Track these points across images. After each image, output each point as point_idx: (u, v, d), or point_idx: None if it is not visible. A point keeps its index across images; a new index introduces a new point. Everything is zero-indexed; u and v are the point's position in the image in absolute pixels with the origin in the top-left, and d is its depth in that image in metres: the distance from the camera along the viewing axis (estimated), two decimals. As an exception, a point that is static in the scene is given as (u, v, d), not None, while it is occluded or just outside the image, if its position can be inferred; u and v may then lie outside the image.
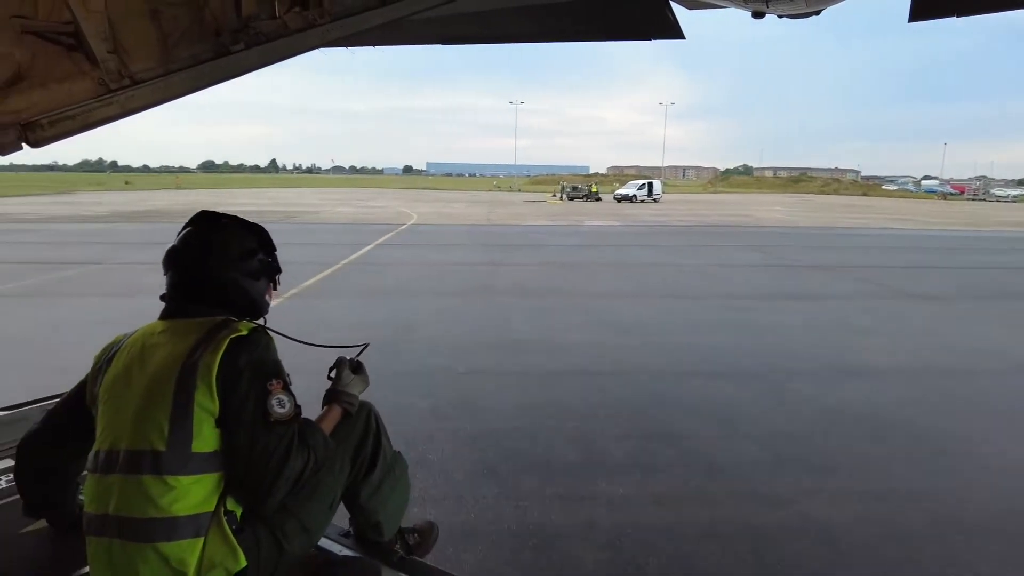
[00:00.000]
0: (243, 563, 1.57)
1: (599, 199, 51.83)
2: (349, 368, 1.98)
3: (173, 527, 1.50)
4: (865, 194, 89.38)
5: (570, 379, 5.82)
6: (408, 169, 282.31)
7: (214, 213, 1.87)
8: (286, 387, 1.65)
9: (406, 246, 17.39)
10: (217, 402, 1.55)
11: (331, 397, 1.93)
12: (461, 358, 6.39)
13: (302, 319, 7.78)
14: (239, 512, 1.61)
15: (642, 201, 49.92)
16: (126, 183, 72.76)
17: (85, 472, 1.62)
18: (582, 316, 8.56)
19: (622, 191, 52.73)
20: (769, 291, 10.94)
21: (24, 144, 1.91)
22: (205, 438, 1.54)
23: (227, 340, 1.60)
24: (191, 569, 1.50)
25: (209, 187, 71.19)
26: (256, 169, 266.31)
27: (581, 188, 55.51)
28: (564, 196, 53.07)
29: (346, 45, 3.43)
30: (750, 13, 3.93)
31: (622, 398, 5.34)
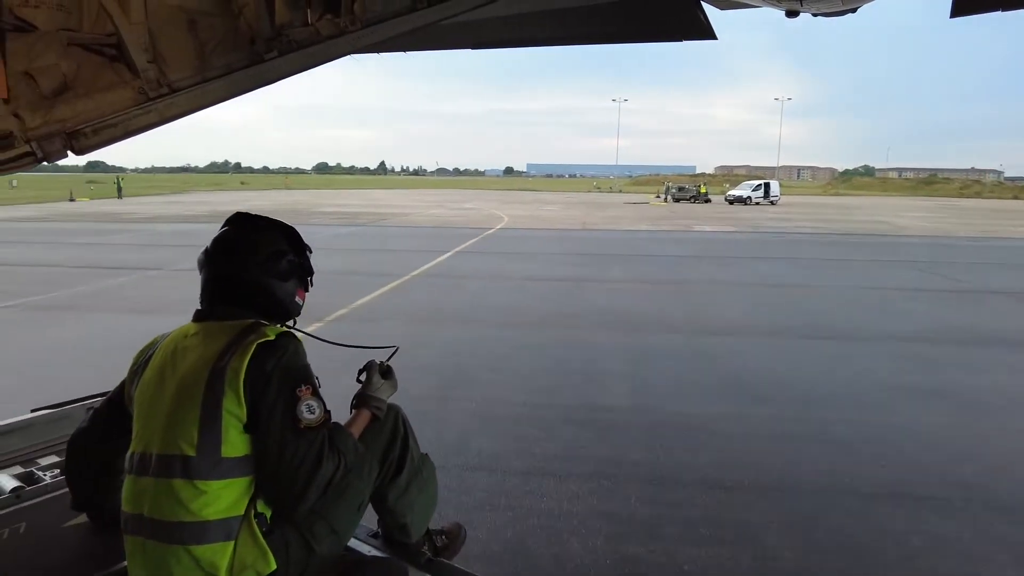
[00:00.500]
0: (273, 566, 1.58)
1: (708, 200, 49.52)
2: (378, 372, 1.98)
3: (204, 531, 1.53)
4: (1016, 197, 78.68)
5: (693, 507, 3.50)
6: (509, 171, 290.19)
7: (247, 214, 1.91)
8: (315, 392, 1.65)
9: (487, 254, 15.78)
10: (245, 408, 1.57)
11: (360, 401, 1.94)
12: (522, 448, 4.21)
13: (318, 357, 4.60)
14: (269, 514, 1.63)
15: (757, 203, 46.97)
16: (241, 183, 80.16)
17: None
18: (697, 367, 6.16)
19: (735, 192, 50.22)
20: (953, 329, 7.98)
21: (69, 151, 2.03)
22: (234, 443, 1.56)
23: (254, 345, 1.62)
24: (222, 571, 1.53)
25: (314, 188, 74.46)
26: (366, 171, 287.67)
27: (688, 189, 53.07)
28: (668, 197, 51.16)
29: (377, 51, 3.45)
30: (783, 12, 3.74)
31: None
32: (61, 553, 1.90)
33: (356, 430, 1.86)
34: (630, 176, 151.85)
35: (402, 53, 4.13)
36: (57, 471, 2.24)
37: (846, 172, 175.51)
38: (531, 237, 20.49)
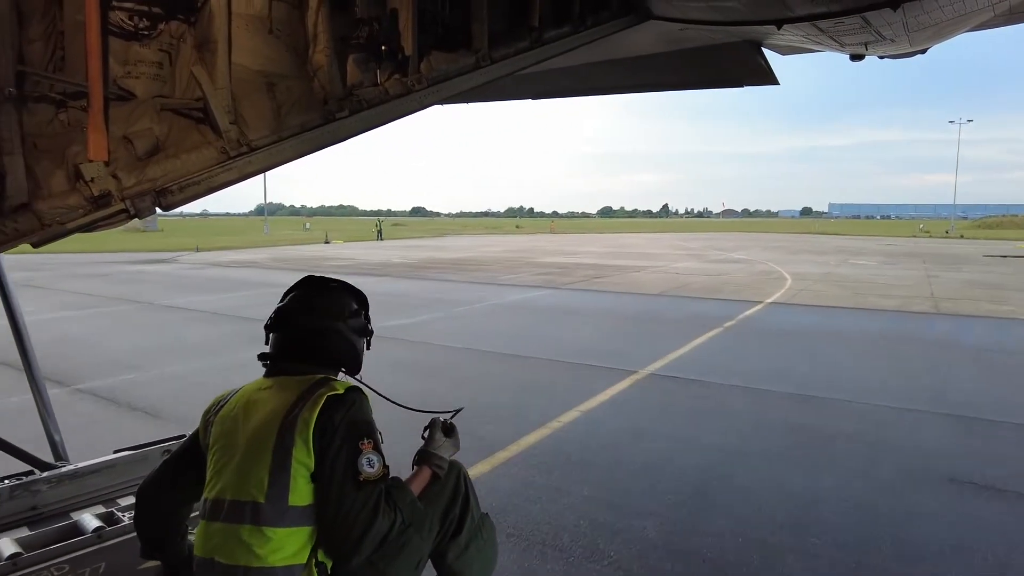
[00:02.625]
0: None
1: None
2: (441, 431, 2.02)
3: None
4: None
5: None
6: (807, 211, 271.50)
7: (320, 277, 2.03)
8: (376, 447, 1.70)
9: (735, 372, 7.01)
10: (313, 457, 1.63)
11: (422, 459, 1.97)
12: None
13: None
14: (329, 565, 1.67)
15: None
16: (516, 227, 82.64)
17: (195, 515, 1.77)
18: None
19: None
20: None
21: (157, 208, 2.18)
22: (301, 492, 1.62)
23: (324, 397, 1.69)
24: None
25: (579, 231, 67.06)
26: (648, 214, 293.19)
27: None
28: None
29: (440, 104, 3.58)
30: (848, 56, 3.66)
31: None
32: None
33: (417, 487, 1.88)
34: (964, 217, 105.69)
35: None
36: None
37: None
38: (831, 326, 10.19)
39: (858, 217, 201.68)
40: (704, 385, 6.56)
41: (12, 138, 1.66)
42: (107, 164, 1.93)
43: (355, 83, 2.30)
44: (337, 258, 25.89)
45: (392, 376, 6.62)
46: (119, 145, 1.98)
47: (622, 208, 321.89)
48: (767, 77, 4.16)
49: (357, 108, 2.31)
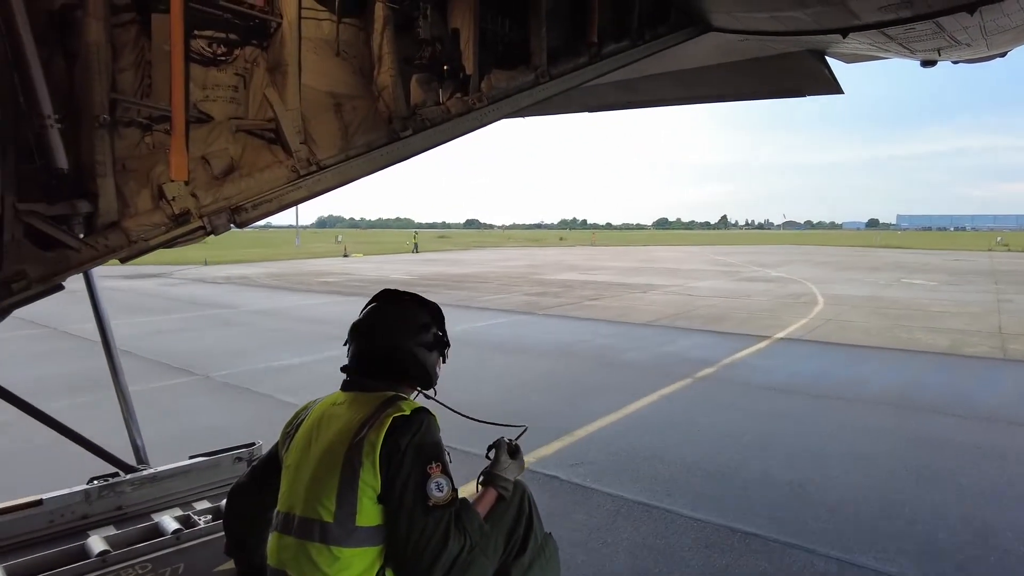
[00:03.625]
0: None
1: None
2: (506, 451, 2.03)
3: None
4: None
5: None
6: (873, 223, 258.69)
7: (395, 291, 2.07)
8: (445, 469, 1.72)
9: (650, 474, 4.53)
10: (380, 480, 1.67)
11: (488, 480, 1.99)
12: None
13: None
14: None
15: None
16: (560, 239, 79.57)
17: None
18: None
19: None
20: None
21: (232, 225, 2.28)
22: (368, 513, 1.66)
23: (391, 419, 1.72)
24: None
25: (619, 244, 61.96)
26: (706, 226, 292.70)
27: None
28: None
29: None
30: (919, 62, 3.48)
31: None
32: None
33: (483, 508, 1.89)
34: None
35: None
36: (210, 516, 2.45)
37: None
38: (841, 389, 6.91)
39: (928, 229, 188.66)
40: (586, 496, 4.15)
41: (105, 161, 1.77)
42: (187, 183, 2.04)
43: (418, 102, 2.36)
44: (335, 273, 24.51)
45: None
46: (197, 165, 2.09)
47: (679, 220, 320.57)
48: (831, 86, 4.04)
49: (421, 127, 2.36)
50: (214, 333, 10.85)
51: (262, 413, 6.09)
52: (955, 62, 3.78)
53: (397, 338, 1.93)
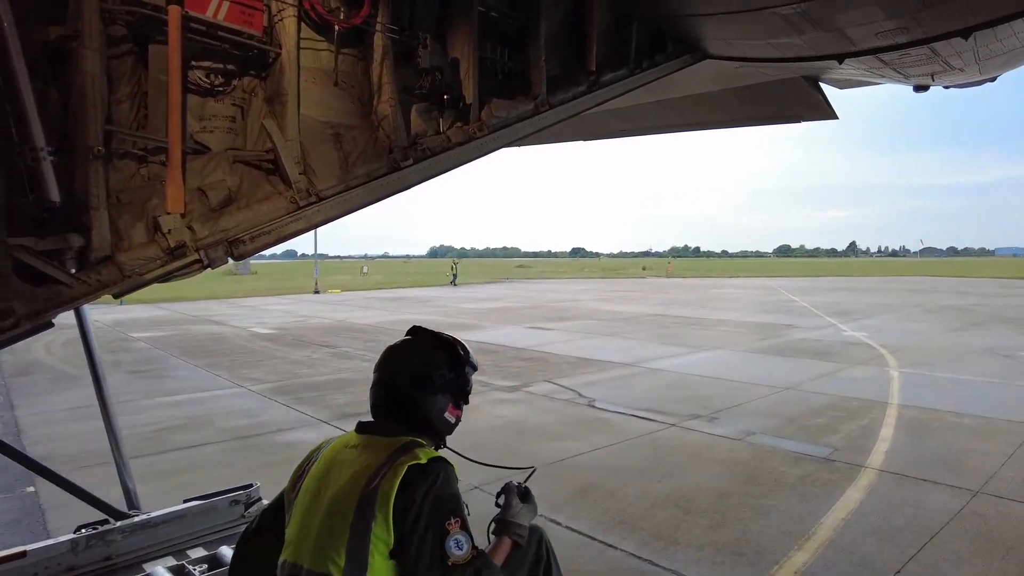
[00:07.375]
0: None
1: None
2: (517, 496, 1.92)
3: None
4: None
5: None
6: None
7: (416, 328, 1.93)
8: (464, 524, 1.61)
9: None
10: (393, 535, 1.55)
11: (501, 528, 1.87)
12: None
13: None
14: None
15: None
16: (643, 268, 70.67)
17: None
18: None
19: None
20: None
21: (229, 258, 2.22)
22: (379, 570, 1.55)
23: (405, 467, 1.60)
24: None
25: (698, 274, 52.69)
26: (832, 252, 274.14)
27: None
28: None
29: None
30: (911, 87, 3.53)
31: None
32: None
33: (499, 558, 1.77)
34: None
35: None
36: (206, 565, 2.31)
37: None
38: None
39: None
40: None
41: (99, 194, 1.72)
42: (183, 216, 1.98)
43: (419, 132, 2.34)
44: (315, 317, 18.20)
45: None
46: (194, 197, 2.04)
47: (802, 246, 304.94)
48: (824, 112, 4.08)
49: (421, 156, 2.33)
50: None
51: None
52: (947, 87, 3.84)
53: (415, 384, 1.79)
